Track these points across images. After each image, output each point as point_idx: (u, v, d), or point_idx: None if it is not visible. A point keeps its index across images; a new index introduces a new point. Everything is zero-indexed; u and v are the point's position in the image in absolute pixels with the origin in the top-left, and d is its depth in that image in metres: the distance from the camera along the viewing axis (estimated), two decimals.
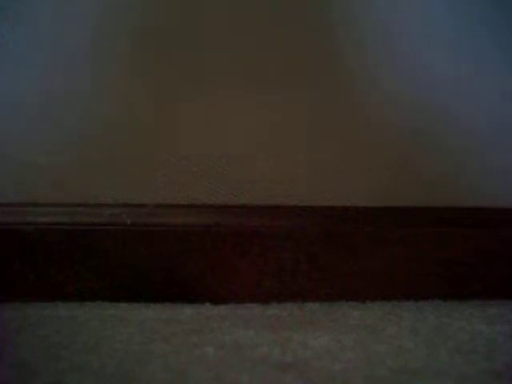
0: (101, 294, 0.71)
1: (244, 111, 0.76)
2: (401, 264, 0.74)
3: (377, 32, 0.76)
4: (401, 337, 0.61)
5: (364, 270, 0.73)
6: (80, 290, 0.71)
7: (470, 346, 0.58)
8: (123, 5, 0.74)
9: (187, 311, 0.68)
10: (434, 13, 0.77)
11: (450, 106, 0.77)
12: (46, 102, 0.74)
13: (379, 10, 0.76)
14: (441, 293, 0.74)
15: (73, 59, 0.74)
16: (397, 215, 0.75)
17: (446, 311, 0.70)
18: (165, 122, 0.75)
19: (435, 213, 0.76)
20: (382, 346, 0.58)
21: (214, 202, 0.75)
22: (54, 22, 0.73)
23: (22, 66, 0.73)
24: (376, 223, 0.74)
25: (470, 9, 0.77)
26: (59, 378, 0.50)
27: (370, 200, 0.76)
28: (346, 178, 0.76)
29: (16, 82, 0.73)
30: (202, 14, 0.74)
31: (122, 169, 0.75)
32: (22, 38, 0.73)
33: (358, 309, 0.70)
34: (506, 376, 0.52)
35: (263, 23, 0.75)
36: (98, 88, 0.74)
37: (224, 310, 0.70)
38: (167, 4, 0.74)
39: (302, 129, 0.76)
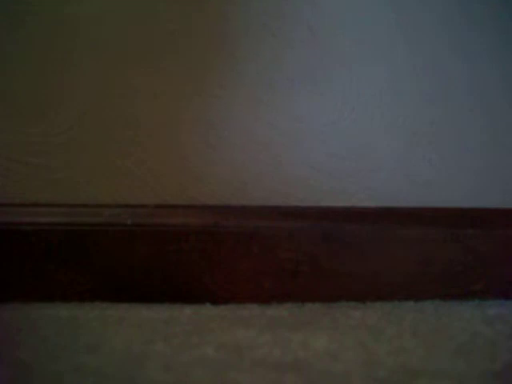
0: (101, 294, 0.71)
1: (244, 111, 0.76)
2: (401, 264, 0.74)
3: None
4: (401, 337, 0.61)
5: (364, 270, 0.73)
6: (80, 290, 0.71)
7: (469, 346, 0.58)
8: None
9: (187, 311, 0.68)
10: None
11: (449, 106, 0.77)
12: (42, 101, 0.74)
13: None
14: (441, 293, 0.74)
15: (69, 58, 0.74)
16: (397, 215, 0.75)
17: (446, 311, 0.70)
18: (165, 123, 0.75)
19: (435, 213, 0.76)
20: (382, 345, 0.58)
21: (213, 202, 0.75)
22: None
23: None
24: (376, 223, 0.74)
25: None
26: (59, 378, 0.50)
27: (370, 200, 0.76)
28: (346, 178, 0.76)
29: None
30: None
31: (122, 169, 0.75)
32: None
33: (358, 309, 0.70)
34: (506, 376, 0.52)
35: None
36: (97, 87, 0.74)
37: (224, 310, 0.70)
38: None
39: (302, 129, 0.76)
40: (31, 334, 0.60)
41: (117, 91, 0.74)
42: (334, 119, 0.76)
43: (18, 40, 0.73)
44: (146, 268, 0.72)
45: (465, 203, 0.77)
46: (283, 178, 0.76)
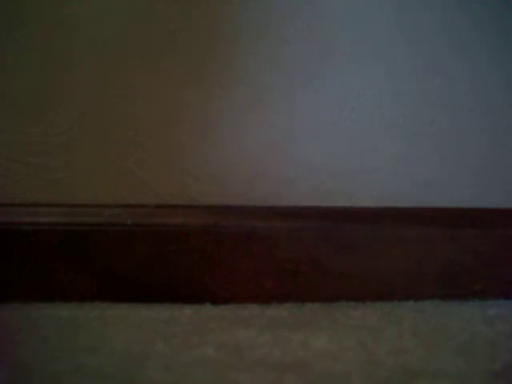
0: (101, 294, 0.71)
1: (244, 111, 0.76)
2: (401, 264, 0.74)
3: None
4: (401, 337, 0.61)
5: (364, 270, 0.73)
6: (80, 290, 0.71)
7: (469, 346, 0.58)
8: None
9: (187, 311, 0.68)
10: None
11: (449, 106, 0.77)
12: (42, 101, 0.74)
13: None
14: (441, 293, 0.74)
15: (69, 58, 0.74)
16: (397, 215, 0.75)
17: (446, 311, 0.70)
18: (165, 123, 0.75)
19: (435, 213, 0.76)
20: (382, 345, 0.58)
21: (213, 202, 0.75)
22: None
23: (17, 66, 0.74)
24: (376, 223, 0.74)
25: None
26: (59, 378, 0.50)
27: (370, 200, 0.76)
28: (346, 178, 0.77)
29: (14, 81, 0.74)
30: None
31: (122, 169, 0.75)
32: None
33: (358, 309, 0.70)
34: (506, 376, 0.52)
35: None
36: (97, 87, 0.74)
37: (224, 310, 0.70)
38: None
39: (301, 129, 0.76)
40: (31, 333, 0.60)
41: (117, 91, 0.74)
42: (334, 119, 0.76)
43: (18, 40, 0.73)
44: (146, 268, 0.72)
45: (465, 203, 0.77)
46: (283, 178, 0.76)
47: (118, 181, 0.75)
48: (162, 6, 0.74)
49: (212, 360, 0.54)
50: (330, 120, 0.76)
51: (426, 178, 0.77)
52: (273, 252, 0.72)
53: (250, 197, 0.75)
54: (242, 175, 0.76)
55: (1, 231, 0.71)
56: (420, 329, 0.63)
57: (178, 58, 0.75)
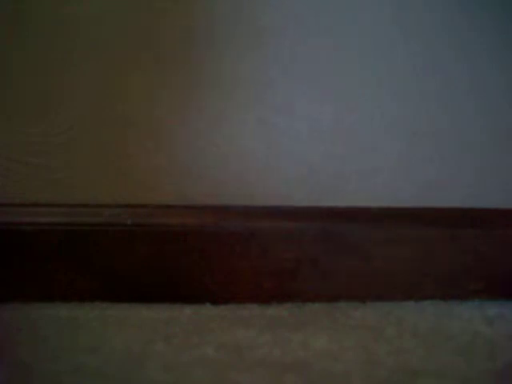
0: (101, 294, 0.71)
1: (244, 111, 0.76)
2: (401, 264, 0.74)
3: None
4: (401, 337, 0.61)
5: (364, 270, 0.73)
6: (80, 290, 0.71)
7: (469, 346, 0.58)
8: None
9: (187, 311, 0.69)
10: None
11: (449, 106, 0.77)
12: (42, 101, 0.74)
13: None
14: (441, 293, 0.74)
15: (69, 58, 0.74)
16: (397, 215, 0.75)
17: (446, 311, 0.70)
18: (165, 123, 0.75)
19: (435, 213, 0.76)
20: (382, 345, 0.58)
21: (213, 202, 0.75)
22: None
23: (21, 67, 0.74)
24: (376, 223, 0.74)
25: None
26: (59, 378, 0.50)
27: (370, 200, 0.76)
28: (346, 178, 0.76)
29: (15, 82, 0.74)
30: None
31: (122, 169, 0.75)
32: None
33: (358, 309, 0.70)
34: (506, 376, 0.52)
35: None
36: (97, 87, 0.74)
37: (224, 310, 0.70)
38: None
39: (301, 129, 0.76)
40: (31, 333, 0.60)
41: (117, 91, 0.74)
42: (334, 119, 0.76)
43: (18, 40, 0.73)
44: (146, 268, 0.72)
45: (465, 203, 0.77)
46: (283, 178, 0.76)
47: (117, 181, 0.75)
48: (162, 6, 0.74)
49: (212, 360, 0.54)
50: (330, 120, 0.76)
51: (426, 178, 0.77)
52: (273, 252, 0.72)
53: (250, 197, 0.75)
54: (241, 175, 0.76)
55: (1, 231, 0.71)
56: (420, 329, 0.63)
57: (178, 58, 0.75)
